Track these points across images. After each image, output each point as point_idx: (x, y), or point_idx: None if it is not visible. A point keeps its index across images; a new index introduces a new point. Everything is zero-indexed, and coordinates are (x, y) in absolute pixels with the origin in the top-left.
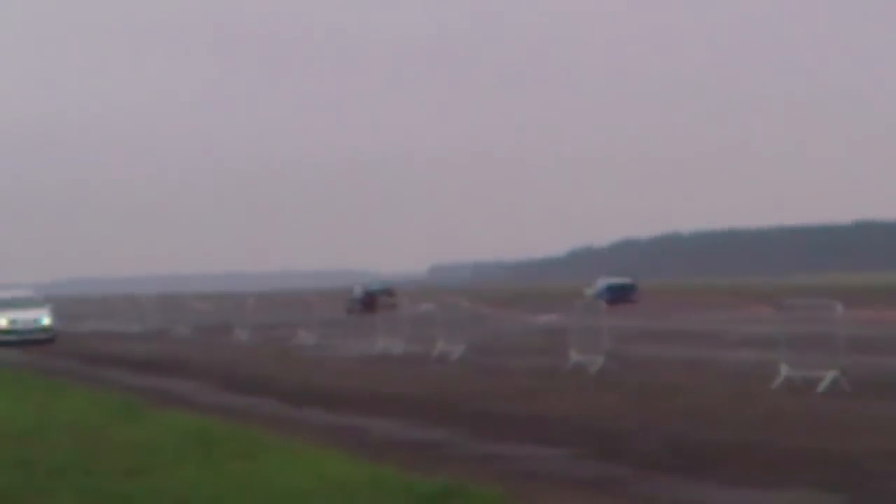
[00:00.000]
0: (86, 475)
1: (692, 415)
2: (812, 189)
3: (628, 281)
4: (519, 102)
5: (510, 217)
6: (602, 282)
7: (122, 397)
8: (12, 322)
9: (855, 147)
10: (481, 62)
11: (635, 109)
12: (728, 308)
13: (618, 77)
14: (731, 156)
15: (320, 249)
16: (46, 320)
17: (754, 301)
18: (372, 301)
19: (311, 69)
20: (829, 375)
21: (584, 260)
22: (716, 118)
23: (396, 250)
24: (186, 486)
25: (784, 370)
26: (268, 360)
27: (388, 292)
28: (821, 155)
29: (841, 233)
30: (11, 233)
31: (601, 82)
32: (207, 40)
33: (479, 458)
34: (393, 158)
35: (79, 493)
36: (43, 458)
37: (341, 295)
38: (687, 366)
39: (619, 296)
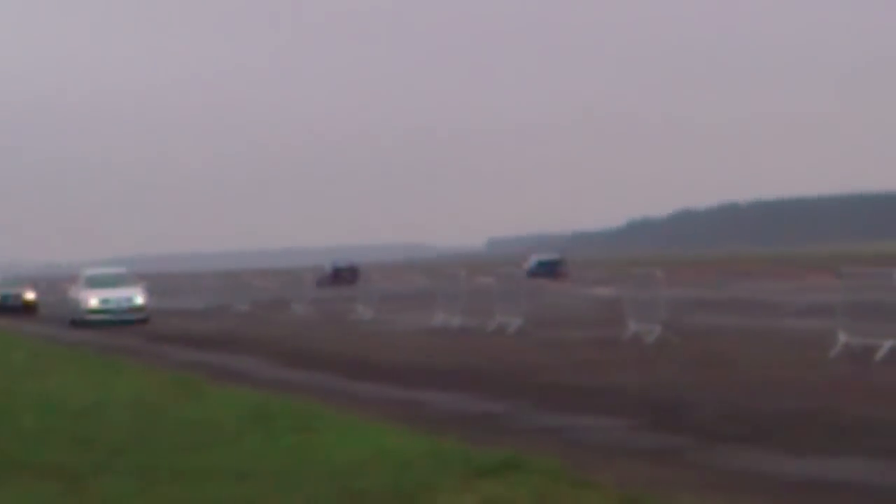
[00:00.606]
0: (145, 452)
1: (751, 383)
2: (871, 156)
3: (556, 257)
4: (574, 73)
5: (567, 189)
6: (534, 258)
7: (182, 373)
8: (104, 301)
9: None
10: (538, 33)
11: (693, 78)
12: (786, 277)
13: (674, 46)
14: (789, 124)
15: (378, 224)
16: (140, 299)
17: (812, 270)
18: (339, 276)
19: (367, 43)
20: (888, 343)
21: (642, 231)
22: (774, 86)
23: (454, 224)
24: (246, 461)
25: (842, 338)
26: (326, 334)
27: (352, 269)
28: (880, 122)
29: None
30: (70, 212)
31: (657, 52)
32: (272, 13)
33: (538, 430)
34: (450, 132)
35: (138, 469)
36: (103, 435)
37: (399, 269)
38: (744, 335)
39: (547, 270)
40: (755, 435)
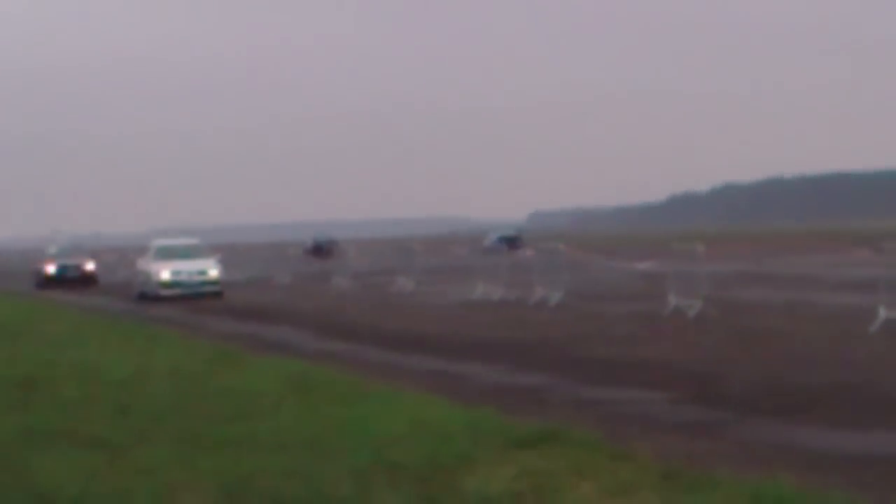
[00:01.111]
0: (185, 421)
1: (790, 357)
2: None
3: (515, 234)
4: (616, 48)
5: (610, 163)
6: (493, 235)
7: (222, 344)
8: (175, 274)
9: None
10: (578, 8)
11: (736, 50)
12: (828, 252)
13: (715, 19)
14: (834, 98)
15: (422, 196)
16: (213, 272)
17: (855, 245)
18: (320, 250)
19: (415, 19)
20: None
21: (685, 205)
22: (820, 59)
23: (496, 197)
24: (284, 431)
25: (882, 313)
26: (367, 306)
27: (331, 243)
28: None
29: None
30: (119, 181)
31: (698, 26)
32: None
33: (578, 403)
34: (493, 105)
35: (177, 438)
36: (142, 404)
37: (441, 242)
38: (785, 309)
39: (506, 246)
40: (795, 409)
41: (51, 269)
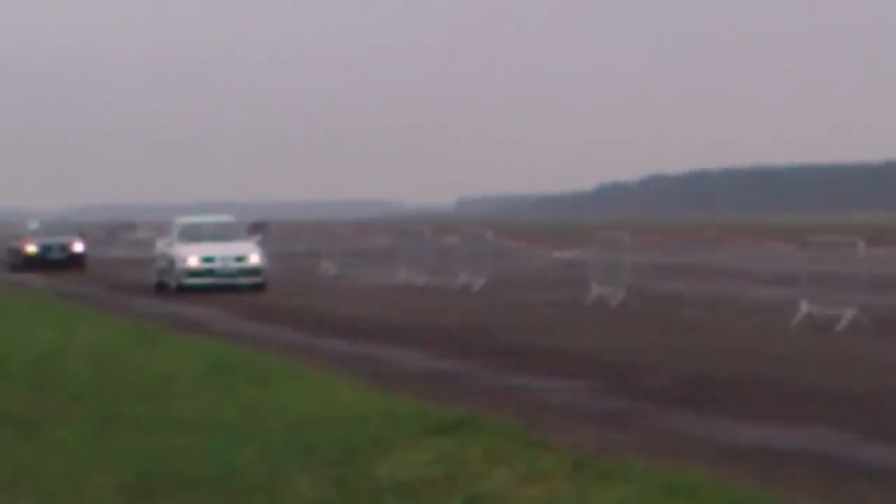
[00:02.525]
0: (101, 399)
1: (711, 350)
2: (844, 127)
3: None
4: (549, 34)
5: (539, 151)
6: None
7: (141, 323)
8: (206, 260)
9: (889, 85)
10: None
11: (667, 42)
12: (751, 245)
13: (648, 9)
14: (762, 91)
15: (351, 180)
16: (255, 258)
17: (780, 238)
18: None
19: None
20: (849, 313)
21: (613, 195)
22: (746, 54)
23: (423, 183)
24: (200, 411)
25: (804, 307)
26: (288, 288)
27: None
28: (854, 92)
29: (872, 172)
30: (33, 155)
31: (629, 15)
32: None
33: (496, 390)
34: (419, 90)
35: (94, 417)
36: (59, 382)
37: (367, 226)
38: (708, 302)
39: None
40: (713, 401)
41: (31, 248)
